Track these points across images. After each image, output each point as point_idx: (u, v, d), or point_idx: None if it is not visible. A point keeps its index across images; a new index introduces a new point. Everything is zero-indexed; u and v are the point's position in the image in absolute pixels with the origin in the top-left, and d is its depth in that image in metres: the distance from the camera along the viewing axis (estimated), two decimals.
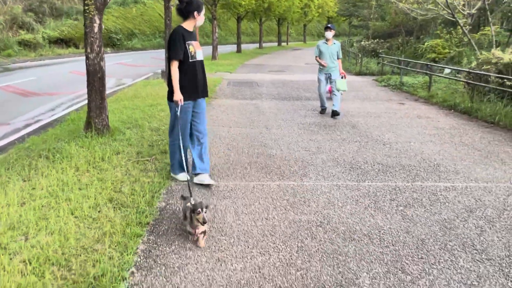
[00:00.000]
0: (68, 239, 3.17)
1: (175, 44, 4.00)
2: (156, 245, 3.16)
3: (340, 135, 6.83)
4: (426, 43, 17.15)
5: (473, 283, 2.76)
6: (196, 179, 4.43)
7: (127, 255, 2.97)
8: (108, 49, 30.68)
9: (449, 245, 3.26)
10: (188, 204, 3.21)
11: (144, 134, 6.36)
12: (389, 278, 2.79)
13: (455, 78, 10.68)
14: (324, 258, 3.03)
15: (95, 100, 6.18)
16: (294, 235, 3.38)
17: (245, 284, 2.69)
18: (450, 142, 6.45)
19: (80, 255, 2.96)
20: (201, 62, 4.29)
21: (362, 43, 24.80)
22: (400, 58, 14.49)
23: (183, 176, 4.47)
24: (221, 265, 2.92)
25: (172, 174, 4.60)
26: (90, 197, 3.95)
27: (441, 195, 4.29)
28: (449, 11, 12.86)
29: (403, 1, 16.97)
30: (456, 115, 8.80)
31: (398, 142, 6.42)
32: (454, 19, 14.04)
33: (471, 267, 2.95)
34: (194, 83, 4.19)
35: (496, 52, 9.41)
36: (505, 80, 8.15)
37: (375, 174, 4.92)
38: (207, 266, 2.90)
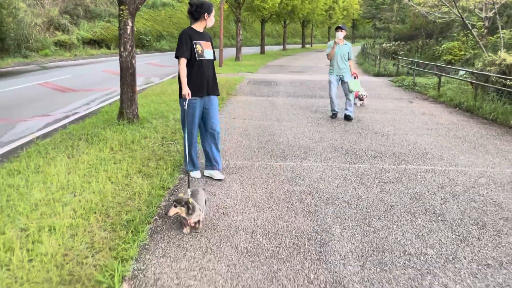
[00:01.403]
0: (107, 196, 4.03)
1: (182, 43, 4.28)
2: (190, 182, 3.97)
3: (344, 127, 7.52)
4: (443, 46, 17.55)
5: (424, 235, 3.45)
6: (206, 172, 4.73)
7: (152, 208, 3.80)
8: (138, 50, 32.06)
9: (413, 210, 3.95)
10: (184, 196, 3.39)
11: (168, 123, 7.23)
12: (356, 229, 3.52)
13: (460, 78, 11.16)
14: (307, 215, 3.78)
15: (126, 93, 7.10)
16: (286, 199, 4.14)
17: (242, 229, 3.47)
18: (444, 135, 7.06)
19: (116, 207, 3.81)
20: (210, 61, 4.50)
21: (383, 45, 25.21)
22: (413, 60, 14.96)
23: (194, 174, 4.71)
24: (224, 217, 3.71)
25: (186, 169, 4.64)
26: (123, 169, 4.82)
27: (420, 175, 4.96)
28: (458, 14, 13.27)
29: (421, 5, 17.42)
30: (459, 113, 9.33)
31: (396, 134, 7.07)
32: (468, 22, 14.41)
33: (426, 225, 3.65)
34: (201, 80, 4.39)
35: (502, 54, 9.87)
36: (503, 79, 8.64)
37: (367, 158, 5.62)
38: (213, 217, 3.70)
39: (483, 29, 15.01)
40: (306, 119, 8.15)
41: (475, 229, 3.59)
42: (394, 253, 3.14)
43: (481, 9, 16.02)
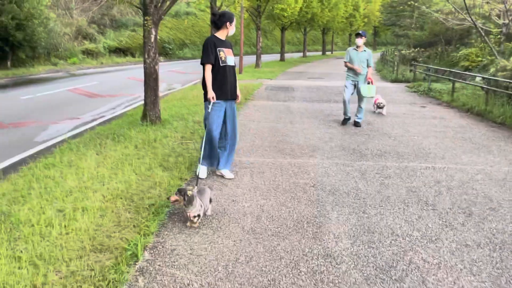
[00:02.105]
0: (131, 185, 4.54)
1: (207, 50, 4.59)
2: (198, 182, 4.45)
3: (354, 129, 7.89)
4: (460, 52, 17.66)
5: (413, 220, 3.83)
6: (218, 172, 5.02)
7: (170, 194, 4.28)
8: (161, 58, 33.03)
9: (407, 200, 4.32)
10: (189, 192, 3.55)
11: (188, 124, 7.75)
12: (351, 215, 3.92)
13: (473, 83, 11.35)
14: (309, 203, 4.19)
15: (150, 96, 7.67)
16: (291, 190, 4.56)
17: (249, 213, 3.92)
18: (451, 137, 7.35)
19: (139, 194, 4.31)
20: (232, 67, 4.79)
21: (403, 51, 25.36)
22: (429, 66, 15.17)
23: (202, 171, 4.89)
24: (234, 203, 4.17)
25: (199, 164, 4.86)
26: (145, 163, 5.34)
27: (419, 172, 5.31)
28: (471, 21, 13.45)
29: (439, 12, 17.60)
30: (470, 117, 9.56)
31: (403, 136, 7.40)
32: (485, 28, 14.54)
33: (416, 212, 4.01)
34: (224, 84, 4.68)
35: None
36: (507, 83, 8.86)
37: (371, 157, 5.99)
38: (224, 203, 4.16)
39: (499, 36, 15.12)
40: (318, 122, 8.56)
41: (461, 216, 3.93)
42: (383, 235, 3.53)
43: (498, 16, 16.12)
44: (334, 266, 3.02)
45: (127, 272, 2.86)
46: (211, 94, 4.59)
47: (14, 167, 5.64)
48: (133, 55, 31.97)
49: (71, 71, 23.26)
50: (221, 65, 4.66)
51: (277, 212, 3.96)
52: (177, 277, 2.85)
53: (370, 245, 3.33)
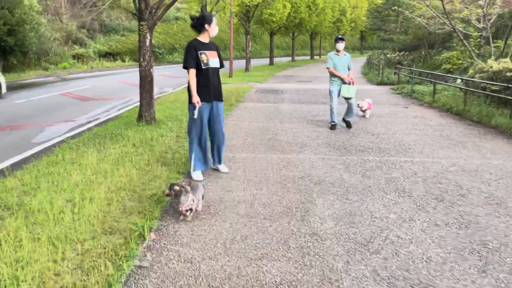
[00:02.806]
0: (133, 179, 4.89)
1: (188, 55, 4.74)
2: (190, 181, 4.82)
3: (339, 128, 8.33)
4: (442, 55, 18.31)
5: (390, 205, 4.25)
6: (214, 166, 5.33)
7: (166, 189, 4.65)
8: None
9: (386, 189, 4.75)
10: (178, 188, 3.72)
11: (182, 124, 8.12)
12: (335, 201, 4.33)
13: (453, 85, 11.91)
14: (297, 192, 4.60)
15: (145, 98, 8.03)
16: (281, 181, 4.97)
17: (243, 201, 4.31)
18: (430, 134, 7.82)
19: (141, 186, 4.67)
20: (215, 69, 4.88)
21: (388, 55, 26.02)
22: (412, 69, 15.74)
23: (197, 175, 4.97)
24: (229, 193, 4.56)
25: (190, 170, 5.07)
26: (144, 159, 5.70)
27: (399, 165, 5.75)
28: (451, 25, 14.05)
29: (421, 17, 18.24)
30: (449, 116, 10.09)
31: (386, 133, 7.86)
32: (465, 32, 15.17)
33: (394, 199, 4.44)
34: (207, 86, 4.79)
35: (490, 62, 10.63)
36: (490, 85, 9.40)
37: (355, 152, 6.42)
38: (220, 193, 4.54)
39: (479, 39, 15.78)
40: (306, 122, 8.99)
41: (434, 201, 4.37)
42: (363, 217, 3.94)
43: (478, 20, 16.78)
44: (319, 242, 3.42)
45: (136, 249, 3.23)
46: (195, 98, 4.71)
47: (16, 165, 5.94)
48: (123, 60, 32.21)
49: (62, 75, 23.43)
50: (203, 67, 4.76)
51: (268, 200, 4.36)
52: (181, 252, 3.23)
53: (351, 225, 3.75)
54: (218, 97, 5.01)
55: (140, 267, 3.01)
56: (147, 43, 7.92)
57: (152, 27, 7.97)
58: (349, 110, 8.39)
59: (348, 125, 8.40)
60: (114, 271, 2.90)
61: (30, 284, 2.73)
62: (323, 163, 5.80)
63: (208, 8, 16.55)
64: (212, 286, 2.78)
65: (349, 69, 8.27)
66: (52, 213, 3.82)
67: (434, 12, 16.47)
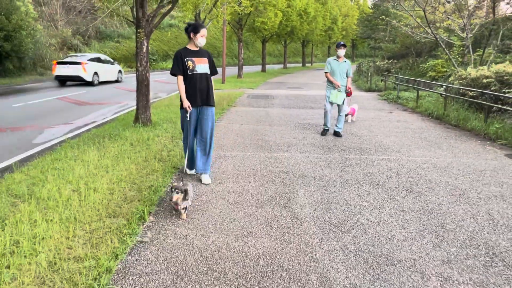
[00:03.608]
0: (132, 173, 5.35)
1: (174, 62, 4.87)
2: (183, 177, 5.29)
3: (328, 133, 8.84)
4: (428, 63, 19.01)
5: (364, 195, 4.75)
6: (197, 175, 5.33)
7: (167, 178, 5.11)
8: None
9: (362, 182, 5.25)
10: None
11: (176, 126, 8.59)
12: (315, 192, 4.82)
13: (435, 91, 12.52)
14: (282, 184, 5.08)
15: (142, 101, 8.50)
16: (267, 175, 5.45)
17: (232, 191, 4.78)
18: (409, 136, 8.36)
19: (140, 179, 5.13)
20: (203, 74, 4.92)
21: (377, 63, 26.73)
22: (397, 76, 16.38)
23: (191, 171, 5.36)
24: (220, 184, 5.03)
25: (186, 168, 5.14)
26: (142, 156, 6.16)
27: (376, 162, 6.27)
28: (433, 34, 14.72)
29: (408, 26, 18.93)
30: (430, 120, 10.66)
31: (368, 135, 8.38)
32: (449, 41, 15.85)
33: (368, 190, 4.94)
34: (194, 92, 4.88)
35: (469, 69, 11.24)
36: (469, 91, 9.99)
37: (337, 151, 6.93)
38: (211, 185, 5.01)
39: (462, 48, 16.46)
40: (294, 125, 9.50)
41: (404, 192, 4.88)
42: (339, 204, 4.44)
43: (462, 30, 17.49)
44: (298, 224, 3.90)
45: (138, 228, 3.69)
46: (185, 103, 4.82)
47: (20, 163, 6.36)
48: None
49: None
50: (189, 73, 4.85)
51: (255, 191, 4.84)
52: (177, 231, 3.69)
53: (328, 211, 4.24)
54: (206, 102, 5.01)
55: (141, 242, 3.47)
56: (144, 50, 8.40)
57: (149, 35, 8.45)
58: (338, 120, 8.26)
59: (337, 134, 8.29)
60: (119, 244, 3.35)
61: (47, 255, 3.18)
62: (307, 160, 6.30)
63: (202, 16, 17.09)
64: (204, 256, 3.25)
65: (347, 76, 8.15)
66: (61, 200, 4.26)
67: (417, 22, 17.16)
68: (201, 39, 4.87)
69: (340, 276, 3.02)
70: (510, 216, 4.24)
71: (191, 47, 4.95)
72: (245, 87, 20.13)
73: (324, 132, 8.40)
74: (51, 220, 3.79)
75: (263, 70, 34.92)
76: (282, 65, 46.79)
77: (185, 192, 3.92)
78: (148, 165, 5.73)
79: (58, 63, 19.81)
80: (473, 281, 2.99)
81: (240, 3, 18.62)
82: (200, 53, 4.98)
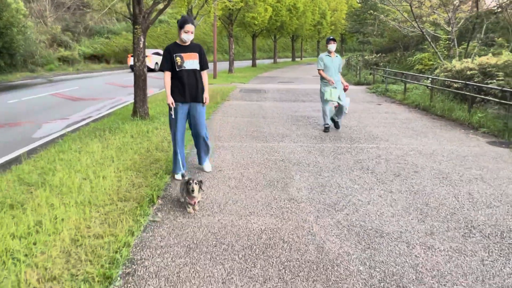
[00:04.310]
0: (136, 162, 5.66)
1: (163, 58, 4.85)
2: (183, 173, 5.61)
3: (317, 121, 9.22)
4: (415, 57, 19.49)
5: (355, 179, 5.12)
6: (200, 166, 5.50)
7: (170, 166, 5.43)
8: None
9: (353, 168, 5.62)
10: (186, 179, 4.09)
11: None
12: (310, 177, 5.18)
13: (421, 83, 12.96)
14: (278, 171, 5.43)
15: (139, 95, 8.77)
16: (265, 163, 5.79)
17: (232, 178, 5.12)
18: (397, 127, 8.76)
19: (145, 167, 5.43)
20: (191, 70, 4.86)
21: (366, 57, 27.20)
22: (385, 69, 16.82)
23: (177, 176, 5.06)
24: (220, 172, 5.36)
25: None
26: (144, 147, 6.46)
27: (366, 149, 6.65)
28: (419, 28, 15.17)
29: (395, 20, 19.38)
30: (417, 111, 11.09)
31: (357, 126, 8.77)
32: (435, 35, 16.31)
33: (359, 174, 5.32)
34: (181, 88, 4.86)
35: (454, 62, 11.68)
36: (452, 82, 10.43)
37: (329, 141, 7.30)
38: (212, 172, 5.35)
39: (447, 42, 16.94)
40: (287, 117, 9.85)
41: (392, 176, 5.26)
42: (332, 187, 4.80)
43: (448, 24, 17.95)
44: (295, 204, 4.26)
45: (149, 210, 4.01)
46: (169, 100, 4.82)
47: (24, 156, 6.62)
48: (107, 62, 32.69)
49: (49, 77, 23.85)
50: (177, 69, 4.82)
51: (254, 176, 5.18)
52: (185, 212, 4.02)
53: (322, 193, 4.60)
54: (196, 98, 4.96)
55: (153, 221, 3.80)
56: (141, 45, 8.67)
57: (145, 31, 8.71)
58: (339, 111, 8.16)
59: (337, 125, 8.31)
60: (134, 223, 3.68)
61: (70, 233, 3.49)
62: (301, 149, 6.65)
63: (194, 12, 17.32)
64: (212, 232, 3.59)
65: (339, 71, 8.06)
66: (74, 186, 4.56)
67: (404, 16, 17.60)
68: (185, 35, 4.77)
69: (335, 246, 3.38)
70: (488, 195, 4.64)
71: (180, 42, 4.89)
72: (237, 82, 20.42)
73: (326, 130, 8.07)
74: (67, 203, 4.09)
75: (254, 65, 35.21)
76: (272, 60, 47.10)
77: (200, 182, 4.01)
78: (151, 155, 6.04)
79: (132, 56, 20.89)
80: (453, 249, 3.37)
81: None
82: (190, 48, 4.89)
